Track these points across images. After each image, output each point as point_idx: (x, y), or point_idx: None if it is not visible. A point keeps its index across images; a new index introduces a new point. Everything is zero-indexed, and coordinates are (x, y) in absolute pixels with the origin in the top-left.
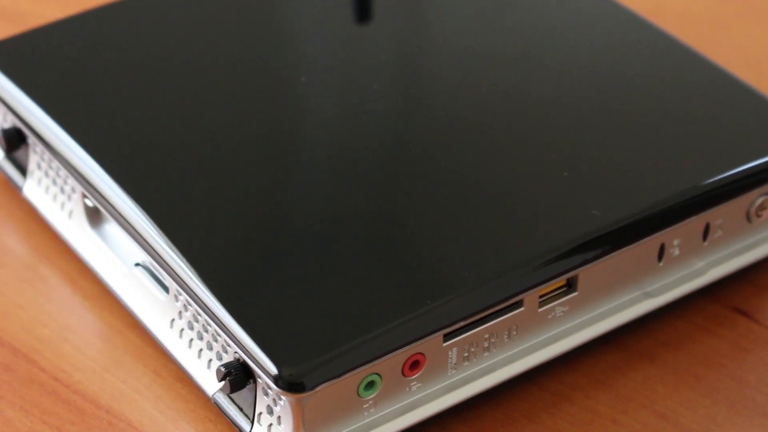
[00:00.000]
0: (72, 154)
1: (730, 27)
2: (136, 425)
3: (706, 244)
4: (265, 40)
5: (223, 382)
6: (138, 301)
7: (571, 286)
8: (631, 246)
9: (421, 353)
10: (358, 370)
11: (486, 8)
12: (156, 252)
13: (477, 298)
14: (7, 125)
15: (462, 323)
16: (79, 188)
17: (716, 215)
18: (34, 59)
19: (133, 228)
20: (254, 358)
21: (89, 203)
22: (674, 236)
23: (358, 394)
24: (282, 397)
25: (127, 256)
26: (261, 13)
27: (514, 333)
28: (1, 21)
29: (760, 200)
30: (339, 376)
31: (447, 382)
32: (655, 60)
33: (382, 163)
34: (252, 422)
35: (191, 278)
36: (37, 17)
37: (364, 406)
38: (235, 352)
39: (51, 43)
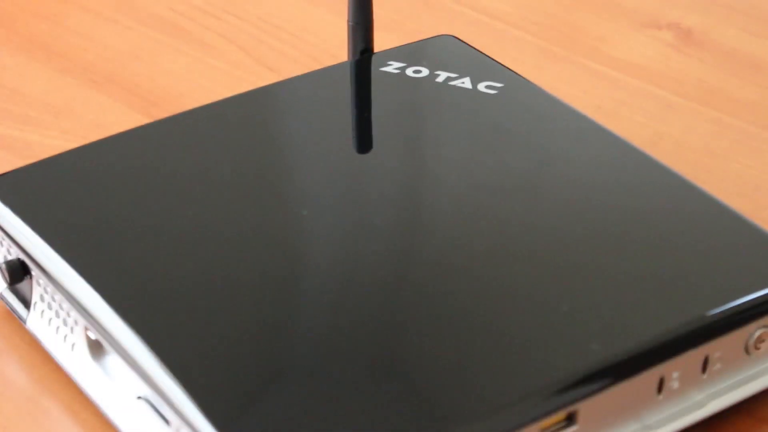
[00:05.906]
0: (75, 287)
1: (726, 157)
2: None
3: (705, 376)
4: (266, 174)
5: None
6: None
7: (571, 419)
8: (631, 379)
9: None
10: None
11: (487, 139)
12: (158, 386)
13: None
14: (10, 257)
15: None
16: (82, 321)
17: (715, 348)
18: (37, 192)
19: (135, 361)
20: None
21: (92, 336)
22: (673, 369)
23: None
24: None
25: (129, 389)
26: (261, 146)
27: None
28: (6, 152)
29: (758, 333)
30: None
31: None
32: (652, 192)
33: (381, 295)
34: None
35: (193, 412)
36: (44, 147)
37: None
38: None
39: (54, 175)
